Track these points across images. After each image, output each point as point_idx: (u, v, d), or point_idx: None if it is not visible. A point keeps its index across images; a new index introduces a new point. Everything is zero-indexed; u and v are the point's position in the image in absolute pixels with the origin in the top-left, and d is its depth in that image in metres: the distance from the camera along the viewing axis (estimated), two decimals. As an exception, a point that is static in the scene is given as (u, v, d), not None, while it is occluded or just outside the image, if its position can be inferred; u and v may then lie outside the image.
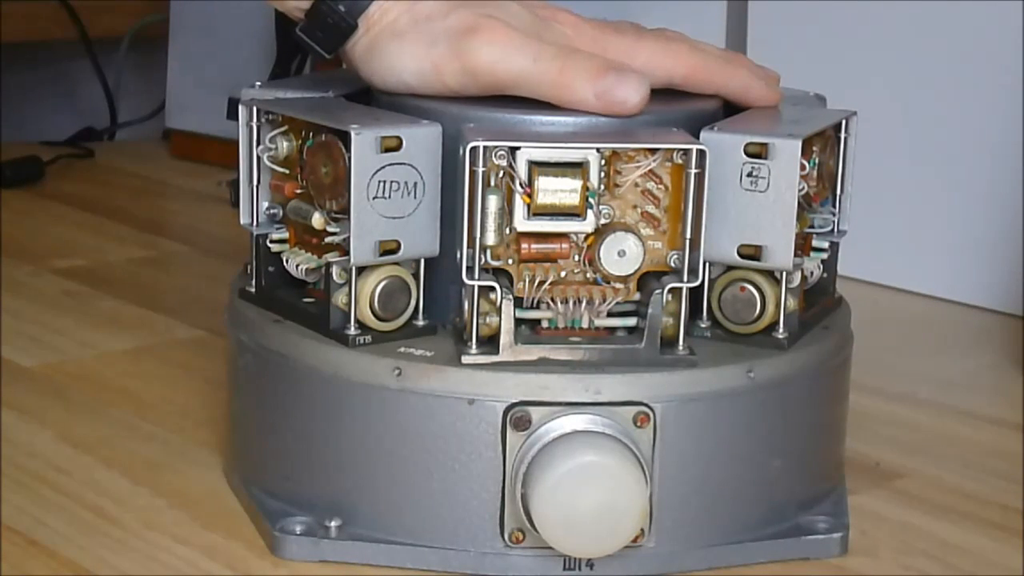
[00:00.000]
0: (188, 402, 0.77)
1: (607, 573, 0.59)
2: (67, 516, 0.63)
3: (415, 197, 0.59)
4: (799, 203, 0.60)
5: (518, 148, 0.57)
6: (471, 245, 0.57)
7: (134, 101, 1.55)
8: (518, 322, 0.58)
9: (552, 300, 0.59)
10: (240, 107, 0.63)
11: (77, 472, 0.68)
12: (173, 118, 1.38)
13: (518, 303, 0.58)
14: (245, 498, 0.64)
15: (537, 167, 0.57)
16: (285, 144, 0.63)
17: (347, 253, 0.59)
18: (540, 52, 0.62)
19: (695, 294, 0.60)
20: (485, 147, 0.57)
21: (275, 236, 0.64)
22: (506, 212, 0.57)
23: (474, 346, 0.58)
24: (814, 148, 0.62)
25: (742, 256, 0.60)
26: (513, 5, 0.64)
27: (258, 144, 0.63)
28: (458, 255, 0.57)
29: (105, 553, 0.60)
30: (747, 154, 0.59)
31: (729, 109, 0.66)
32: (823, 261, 0.65)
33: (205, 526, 0.63)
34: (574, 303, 0.59)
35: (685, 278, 0.58)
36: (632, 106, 0.61)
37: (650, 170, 0.58)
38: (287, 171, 0.63)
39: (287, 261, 0.63)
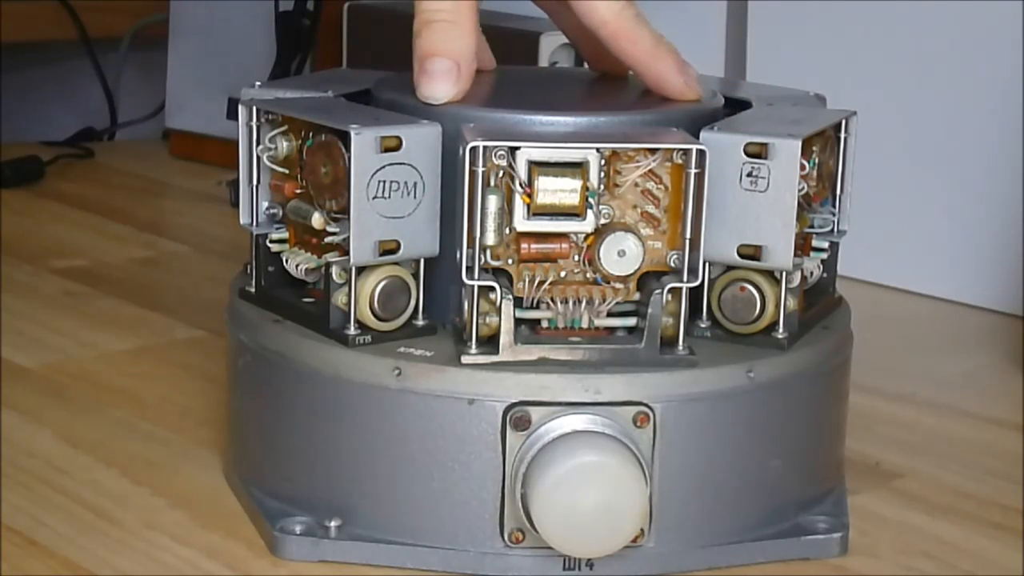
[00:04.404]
0: (188, 402, 0.77)
1: (607, 573, 0.59)
2: (67, 516, 0.63)
3: (415, 197, 0.59)
4: (799, 203, 0.60)
5: (518, 148, 0.57)
6: (471, 245, 0.57)
7: (134, 101, 1.55)
8: (518, 322, 0.58)
9: (552, 300, 0.59)
10: (240, 107, 0.63)
11: (77, 472, 0.68)
12: (173, 118, 1.38)
13: (518, 303, 0.58)
14: (245, 498, 0.64)
15: (537, 167, 0.57)
16: (285, 144, 0.63)
17: (347, 253, 0.59)
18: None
19: (695, 294, 0.60)
20: (485, 147, 0.56)
21: (275, 236, 0.64)
22: (506, 212, 0.57)
23: (474, 346, 0.58)
24: (814, 148, 0.62)
25: (742, 256, 0.60)
26: None
27: (258, 144, 0.63)
28: (458, 255, 0.57)
29: (105, 553, 0.60)
30: (747, 154, 0.59)
31: (729, 109, 0.66)
32: (823, 261, 0.65)
33: (205, 526, 0.63)
34: (574, 303, 0.59)
35: (685, 278, 0.58)
36: (426, 100, 0.62)
37: (650, 170, 0.58)
38: (287, 171, 0.63)
39: (287, 261, 0.63)
